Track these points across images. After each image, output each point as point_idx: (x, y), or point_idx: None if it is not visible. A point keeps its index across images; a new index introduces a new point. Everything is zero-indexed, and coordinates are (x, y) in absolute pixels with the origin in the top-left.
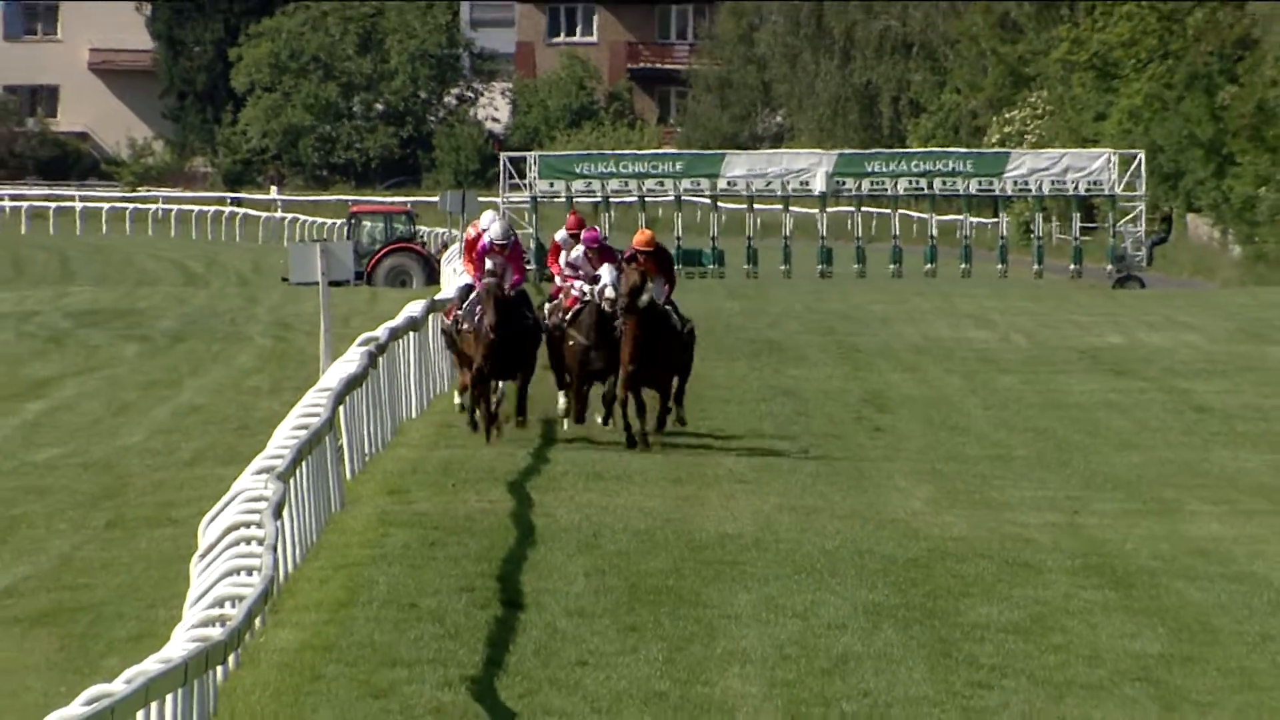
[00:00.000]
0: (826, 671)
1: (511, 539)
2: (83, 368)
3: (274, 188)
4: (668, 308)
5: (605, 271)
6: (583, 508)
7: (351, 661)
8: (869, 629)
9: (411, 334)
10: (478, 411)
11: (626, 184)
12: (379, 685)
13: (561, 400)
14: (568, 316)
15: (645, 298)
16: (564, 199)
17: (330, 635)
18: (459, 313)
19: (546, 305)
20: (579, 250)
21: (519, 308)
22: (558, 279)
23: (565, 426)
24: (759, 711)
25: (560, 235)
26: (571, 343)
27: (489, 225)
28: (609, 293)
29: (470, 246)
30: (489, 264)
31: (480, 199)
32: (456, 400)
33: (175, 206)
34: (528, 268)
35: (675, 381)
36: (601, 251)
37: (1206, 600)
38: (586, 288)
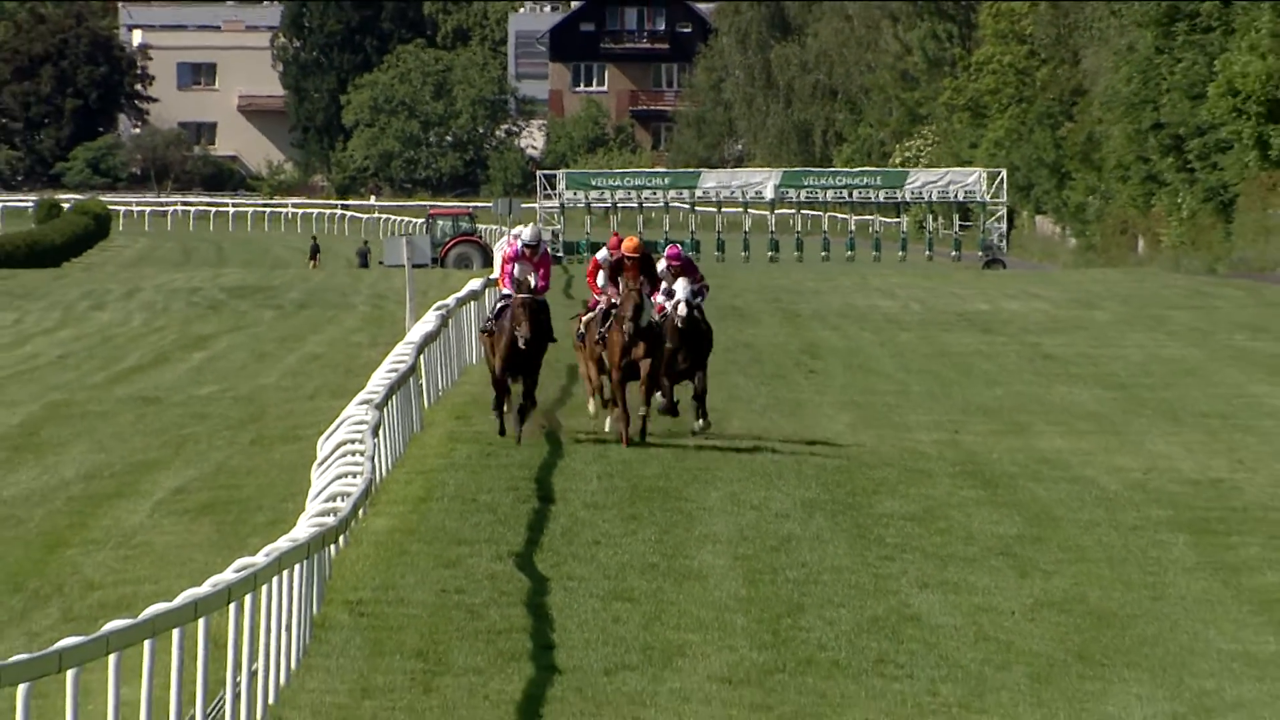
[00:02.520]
0: (774, 549)
1: (545, 452)
2: (233, 327)
3: (373, 196)
4: (659, 318)
5: (679, 287)
6: (597, 429)
7: (429, 540)
8: (805, 518)
9: (472, 302)
10: (505, 409)
11: (629, 194)
12: (449, 558)
13: (591, 404)
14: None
15: (645, 318)
16: (584, 204)
17: (413, 522)
18: (491, 323)
19: (584, 316)
20: (662, 265)
21: (547, 315)
22: (594, 295)
23: (607, 427)
24: (725, 578)
25: (601, 254)
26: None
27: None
28: (681, 309)
29: (506, 260)
30: (517, 271)
31: (523, 205)
32: (591, 407)
33: (300, 210)
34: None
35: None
36: (684, 266)
37: (1050, 496)
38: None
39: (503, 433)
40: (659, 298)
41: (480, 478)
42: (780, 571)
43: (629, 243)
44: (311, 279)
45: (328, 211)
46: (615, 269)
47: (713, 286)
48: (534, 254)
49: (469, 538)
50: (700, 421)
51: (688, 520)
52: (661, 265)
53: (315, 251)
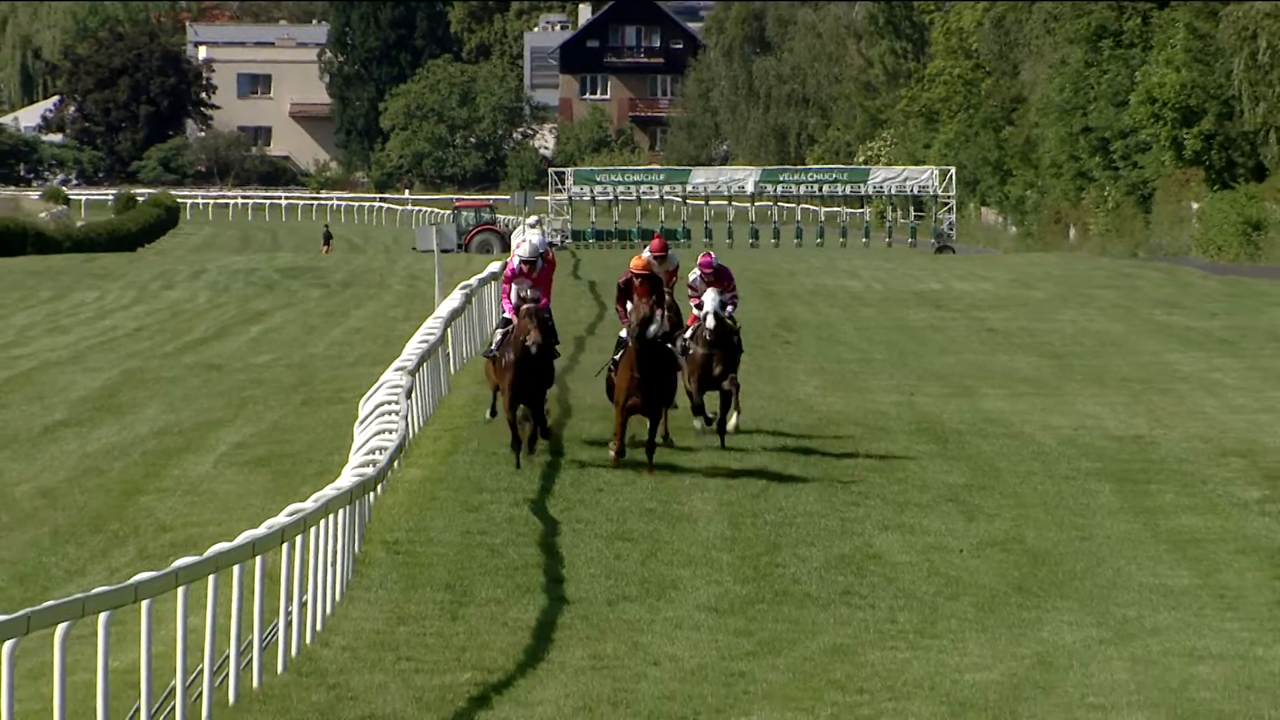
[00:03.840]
0: (755, 495)
1: (555, 414)
2: (285, 304)
3: (406, 190)
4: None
5: (707, 299)
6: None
7: (455, 489)
8: (781, 468)
9: (492, 282)
10: (521, 432)
11: (628, 188)
12: (472, 504)
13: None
14: (689, 335)
15: (654, 328)
16: (589, 198)
17: (442, 472)
18: (495, 349)
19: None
20: (695, 273)
21: (552, 329)
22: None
23: (699, 425)
24: (712, 520)
25: (645, 256)
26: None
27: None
28: (710, 322)
29: (505, 280)
30: (515, 291)
31: (536, 198)
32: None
33: (343, 202)
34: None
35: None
36: (716, 274)
37: (993, 450)
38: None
39: (519, 465)
40: (695, 307)
41: (500, 435)
42: (760, 515)
43: (636, 260)
44: (353, 262)
45: (367, 204)
46: (627, 289)
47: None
48: (532, 270)
49: (490, 486)
50: (735, 417)
51: (678, 471)
52: (694, 274)
53: (328, 238)
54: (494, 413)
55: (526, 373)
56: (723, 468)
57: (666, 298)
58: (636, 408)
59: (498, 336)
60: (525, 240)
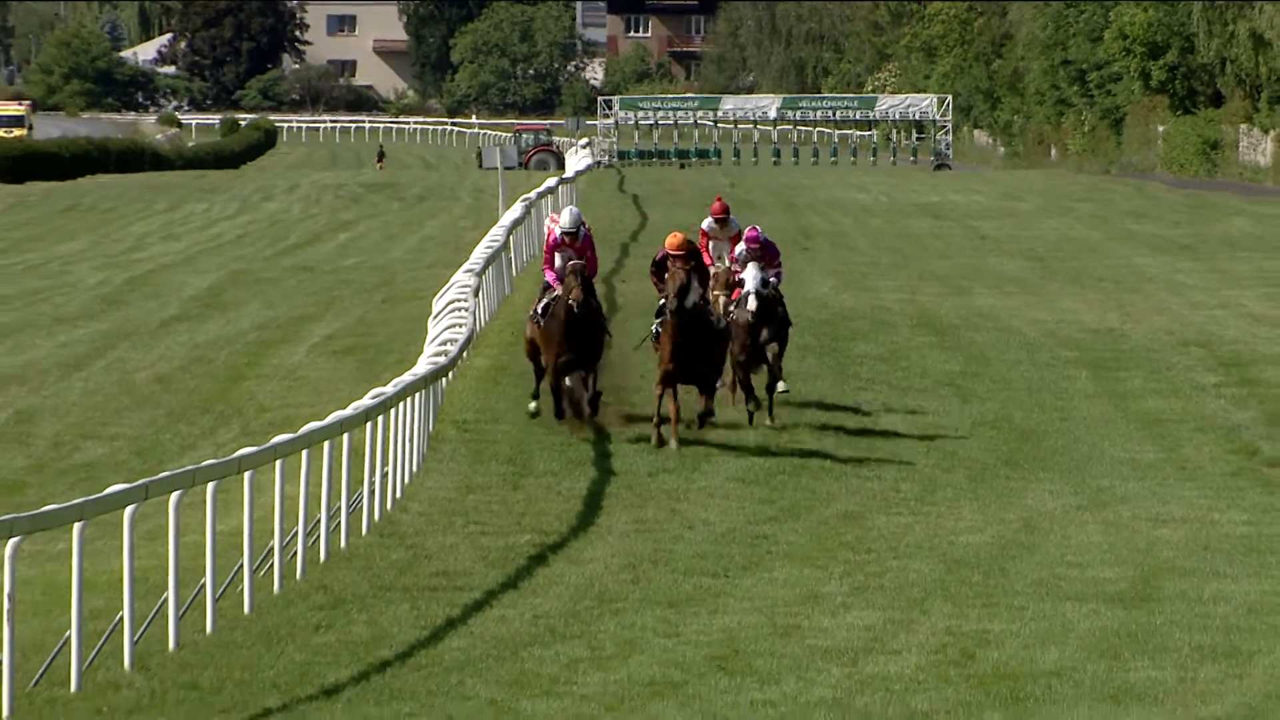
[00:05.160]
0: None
1: (606, 311)
2: (369, 215)
3: (474, 116)
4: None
5: (748, 276)
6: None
7: (517, 376)
8: (799, 358)
9: (549, 195)
10: (564, 400)
11: (667, 114)
12: (532, 388)
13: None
14: (732, 306)
15: (691, 298)
16: (633, 122)
17: (505, 361)
18: (538, 316)
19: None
20: (741, 247)
21: (595, 294)
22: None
23: (751, 408)
24: (738, 404)
25: (706, 223)
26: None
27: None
28: (750, 303)
29: (548, 249)
30: (560, 260)
31: (587, 122)
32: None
33: (419, 127)
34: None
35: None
36: (763, 249)
37: (985, 341)
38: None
39: (561, 416)
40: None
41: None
42: (777, 403)
43: (672, 239)
44: (428, 178)
45: (439, 128)
46: (661, 266)
47: (730, 183)
48: (574, 240)
49: None
50: (779, 384)
51: None
52: (740, 247)
53: (381, 155)
54: (536, 397)
55: (573, 334)
56: None
57: (712, 270)
58: (676, 375)
59: (542, 303)
60: (566, 209)
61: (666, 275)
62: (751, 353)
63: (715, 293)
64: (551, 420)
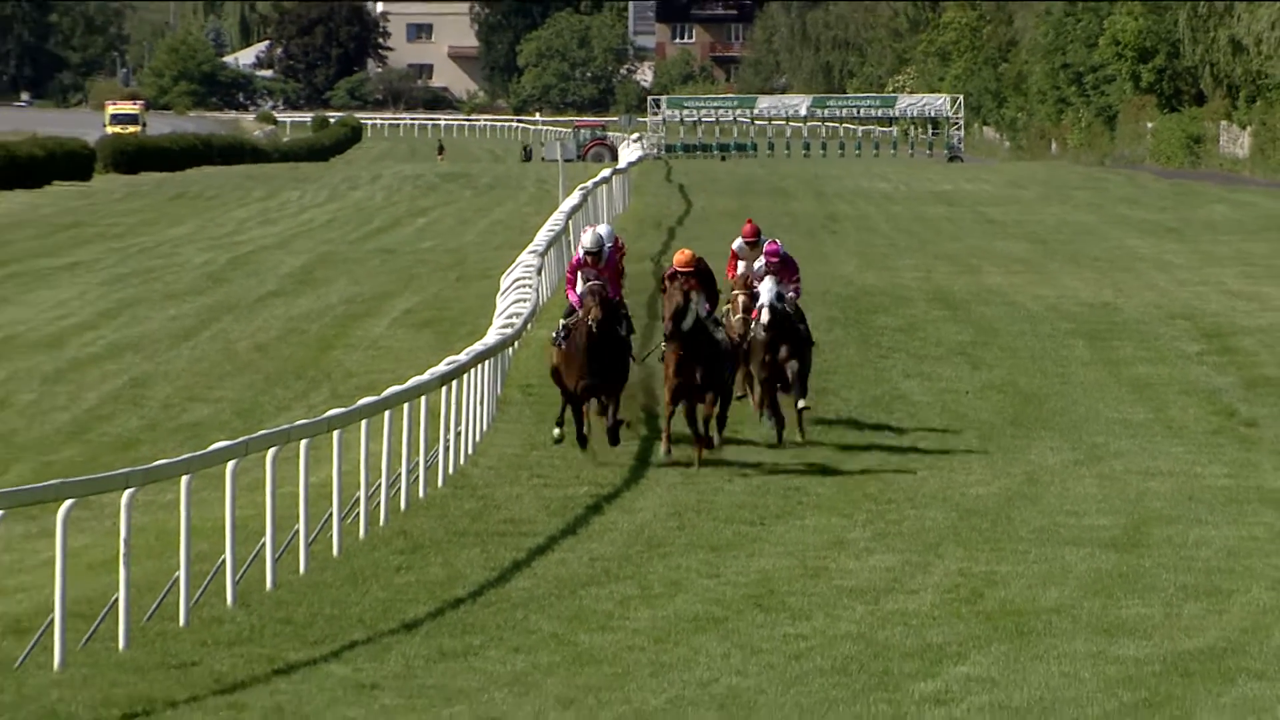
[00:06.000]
0: None
1: (649, 286)
2: (445, 203)
3: (537, 114)
4: (715, 324)
5: (764, 289)
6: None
7: None
8: (827, 330)
9: (604, 186)
10: (585, 426)
11: (709, 112)
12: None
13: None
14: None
15: (689, 320)
16: (679, 119)
17: None
18: (562, 327)
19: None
20: (760, 262)
21: (619, 313)
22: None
23: (769, 425)
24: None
25: (737, 244)
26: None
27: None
28: (764, 316)
29: (571, 270)
30: (581, 279)
31: (639, 119)
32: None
33: (490, 124)
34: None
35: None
36: (782, 263)
37: (993, 314)
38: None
39: (584, 444)
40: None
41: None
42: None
43: (680, 256)
44: (497, 169)
45: (506, 124)
46: (672, 281)
47: (765, 174)
48: (597, 260)
49: None
50: (800, 401)
51: None
52: (759, 263)
53: (441, 149)
54: (560, 424)
55: (594, 358)
56: None
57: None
58: (686, 391)
59: (561, 325)
60: (589, 229)
61: (663, 296)
62: (772, 370)
63: (727, 307)
64: (575, 445)
